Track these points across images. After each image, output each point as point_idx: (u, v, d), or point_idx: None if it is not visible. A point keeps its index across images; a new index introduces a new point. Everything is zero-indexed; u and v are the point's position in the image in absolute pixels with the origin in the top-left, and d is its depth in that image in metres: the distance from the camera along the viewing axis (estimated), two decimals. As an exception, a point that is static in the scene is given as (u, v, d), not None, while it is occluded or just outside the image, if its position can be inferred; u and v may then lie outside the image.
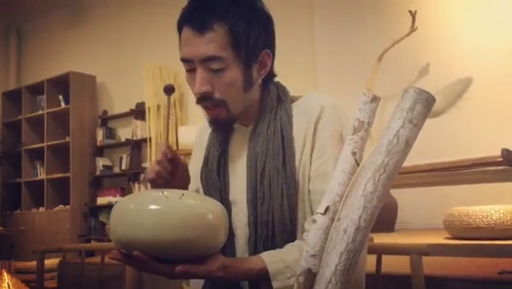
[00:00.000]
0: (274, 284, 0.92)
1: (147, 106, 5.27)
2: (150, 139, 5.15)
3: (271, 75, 1.09)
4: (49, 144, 6.20)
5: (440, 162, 2.03)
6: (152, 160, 5.11)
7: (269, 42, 1.05)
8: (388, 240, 2.41)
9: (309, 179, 1.00)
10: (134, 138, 5.69)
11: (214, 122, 1.05)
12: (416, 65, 3.79)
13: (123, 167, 5.81)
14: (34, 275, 4.23)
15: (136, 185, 5.62)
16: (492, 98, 3.42)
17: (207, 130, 1.18)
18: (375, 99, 0.59)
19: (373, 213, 0.46)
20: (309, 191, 1.00)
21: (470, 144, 3.28)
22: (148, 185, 1.02)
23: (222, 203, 1.04)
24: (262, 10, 1.04)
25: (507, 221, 2.27)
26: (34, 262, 5.02)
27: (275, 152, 1.01)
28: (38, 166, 6.43)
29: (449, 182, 1.98)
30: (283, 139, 1.02)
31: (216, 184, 1.08)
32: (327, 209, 0.56)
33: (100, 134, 6.07)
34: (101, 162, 6.04)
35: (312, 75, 4.31)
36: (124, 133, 5.95)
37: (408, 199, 3.35)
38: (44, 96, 6.28)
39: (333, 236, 0.48)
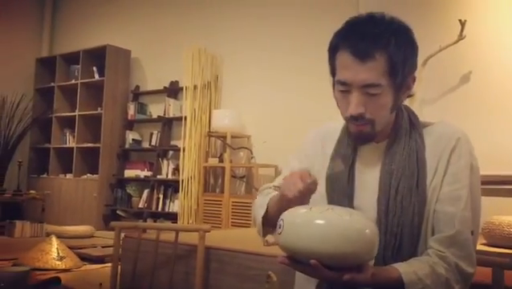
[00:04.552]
0: None
1: (184, 86, 5.38)
2: (185, 118, 5.27)
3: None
4: (80, 113, 6.35)
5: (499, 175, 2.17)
6: (187, 137, 5.24)
7: (415, 68, 1.16)
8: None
9: (436, 200, 1.13)
10: (166, 116, 5.83)
11: (358, 136, 1.17)
12: (458, 72, 3.90)
13: (153, 143, 5.95)
14: (72, 241, 4.43)
15: (165, 161, 5.78)
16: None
17: (328, 137, 1.29)
18: None
19: None
20: (434, 211, 1.12)
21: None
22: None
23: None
24: (414, 39, 1.14)
25: (548, 234, 2.42)
26: (65, 227, 5.23)
27: (410, 172, 1.13)
28: (67, 134, 6.58)
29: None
30: (418, 160, 1.14)
31: (345, 190, 1.19)
32: None
33: (132, 108, 6.20)
34: (131, 136, 6.18)
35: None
36: (156, 110, 6.08)
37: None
38: (79, 66, 6.41)
39: None
